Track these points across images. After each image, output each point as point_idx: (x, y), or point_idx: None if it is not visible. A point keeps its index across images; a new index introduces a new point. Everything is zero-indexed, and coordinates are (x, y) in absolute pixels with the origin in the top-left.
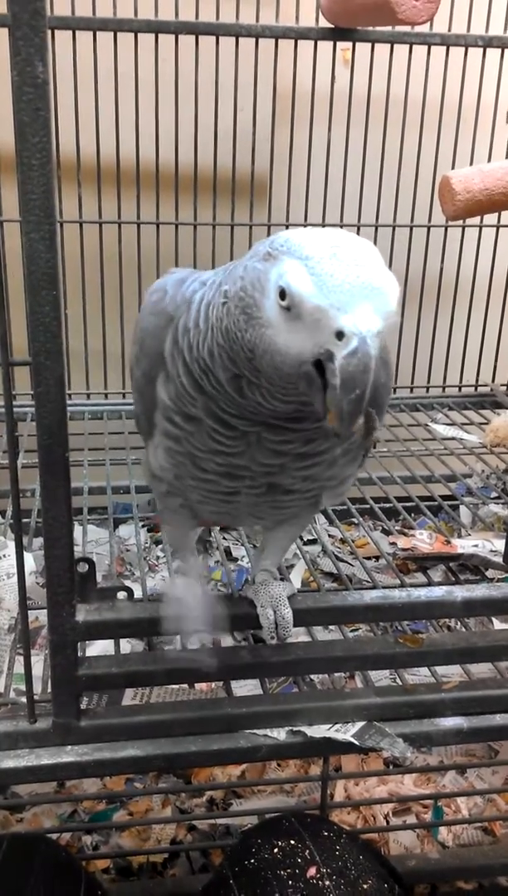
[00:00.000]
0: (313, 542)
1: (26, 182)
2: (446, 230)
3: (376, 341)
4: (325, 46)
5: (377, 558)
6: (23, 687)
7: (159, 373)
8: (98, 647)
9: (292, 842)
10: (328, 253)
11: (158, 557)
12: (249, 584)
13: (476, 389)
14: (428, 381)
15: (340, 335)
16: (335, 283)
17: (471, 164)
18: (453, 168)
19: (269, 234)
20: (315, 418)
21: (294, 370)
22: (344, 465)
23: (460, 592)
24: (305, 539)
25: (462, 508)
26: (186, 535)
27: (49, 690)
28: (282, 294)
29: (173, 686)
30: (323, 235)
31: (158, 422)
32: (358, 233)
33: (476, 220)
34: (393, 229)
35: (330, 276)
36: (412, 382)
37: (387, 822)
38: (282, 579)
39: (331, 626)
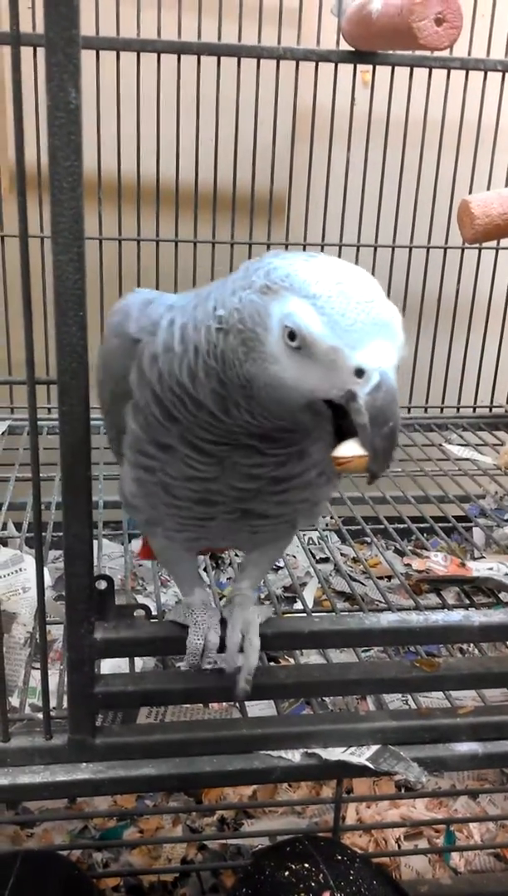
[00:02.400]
0: (325, 560)
1: (56, 205)
2: (462, 252)
3: (395, 374)
4: (345, 69)
5: (390, 578)
6: (37, 702)
7: (126, 402)
8: (109, 665)
9: (306, 865)
10: (335, 290)
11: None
12: (225, 604)
13: (490, 410)
14: (443, 402)
15: (359, 373)
16: (348, 322)
17: (489, 187)
18: (470, 191)
19: None
20: (303, 433)
21: (299, 404)
22: (319, 486)
23: (477, 618)
24: (317, 557)
25: (476, 530)
26: (185, 563)
27: (64, 706)
28: (291, 335)
29: (188, 705)
30: (325, 269)
31: (126, 452)
32: (375, 253)
33: (492, 242)
34: (410, 250)
35: (342, 316)
36: (427, 402)
37: (399, 847)
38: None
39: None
